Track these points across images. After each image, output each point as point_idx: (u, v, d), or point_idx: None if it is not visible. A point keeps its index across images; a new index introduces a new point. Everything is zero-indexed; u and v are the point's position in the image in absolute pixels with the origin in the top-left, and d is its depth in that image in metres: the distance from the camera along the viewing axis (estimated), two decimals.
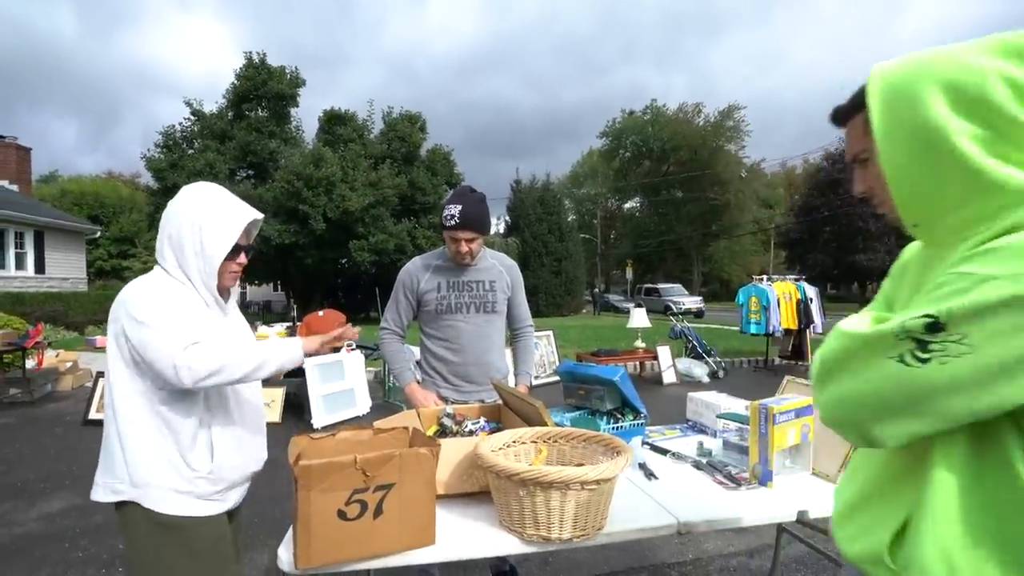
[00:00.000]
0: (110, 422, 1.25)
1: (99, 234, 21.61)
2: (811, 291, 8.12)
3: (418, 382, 2.11)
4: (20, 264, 16.11)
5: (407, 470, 1.12)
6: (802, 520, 1.40)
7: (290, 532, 1.17)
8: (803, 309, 7.89)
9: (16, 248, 15.98)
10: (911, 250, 0.87)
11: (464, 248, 1.96)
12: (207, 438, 1.27)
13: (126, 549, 1.28)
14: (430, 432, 1.70)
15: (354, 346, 6.01)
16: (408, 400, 2.06)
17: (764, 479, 1.51)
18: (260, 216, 1.41)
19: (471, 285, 2.07)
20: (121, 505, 1.24)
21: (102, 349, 7.21)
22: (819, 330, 8.30)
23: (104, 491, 1.25)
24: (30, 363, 6.72)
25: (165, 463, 1.23)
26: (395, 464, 1.11)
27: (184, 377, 1.17)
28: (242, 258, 1.37)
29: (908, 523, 0.70)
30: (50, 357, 7.43)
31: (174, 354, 1.17)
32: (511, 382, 2.16)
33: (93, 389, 5.45)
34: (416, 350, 2.31)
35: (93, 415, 5.29)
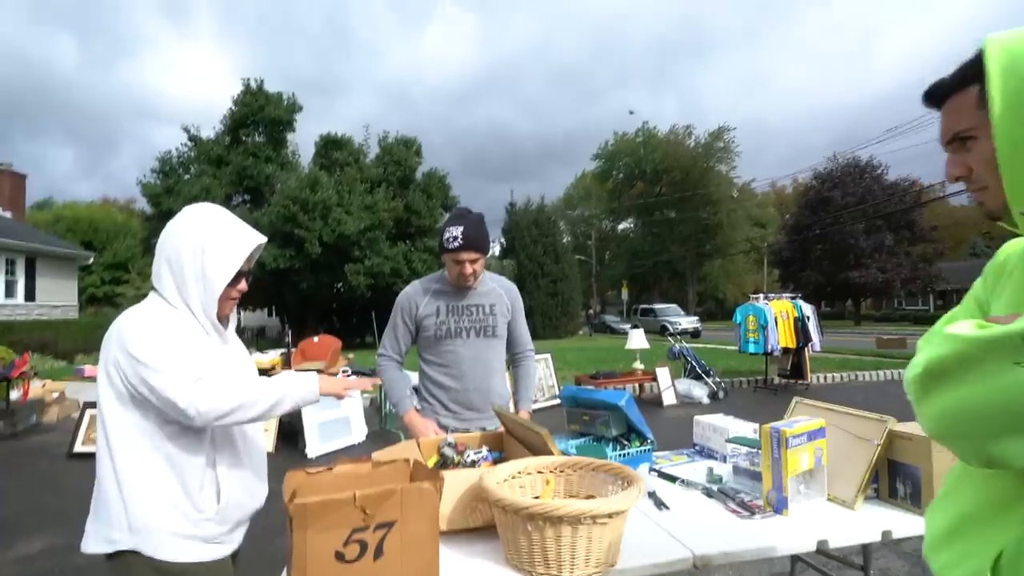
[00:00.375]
0: (103, 462, 1.16)
1: (92, 260, 21.49)
2: (808, 309, 8.12)
3: (417, 410, 2.05)
4: (10, 292, 15.93)
5: (409, 507, 1.06)
6: (822, 550, 1.34)
7: (284, 573, 1.10)
8: (801, 327, 7.87)
9: (7, 275, 15.82)
10: (1012, 247, 0.80)
11: (468, 270, 1.92)
12: (213, 477, 1.20)
13: None
14: (430, 463, 1.64)
15: (349, 372, 5.92)
16: (407, 429, 1.99)
17: (779, 507, 1.46)
18: (264, 240, 1.35)
19: (471, 309, 2.03)
20: (116, 555, 1.14)
21: (91, 379, 7.07)
22: (817, 348, 8.28)
23: (97, 541, 1.15)
24: (15, 394, 6.55)
25: (169, 505, 1.15)
26: (396, 500, 1.05)
27: (196, 418, 1.11)
28: (242, 284, 1.31)
29: (1011, 549, 0.64)
30: (36, 387, 7.26)
31: (183, 394, 1.10)
32: (511, 408, 2.10)
33: (79, 420, 5.31)
34: (414, 376, 2.25)
35: (79, 448, 5.15)
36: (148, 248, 17.60)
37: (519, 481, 1.36)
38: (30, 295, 16.53)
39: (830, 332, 19.65)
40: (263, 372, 1.56)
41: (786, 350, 7.95)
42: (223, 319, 1.31)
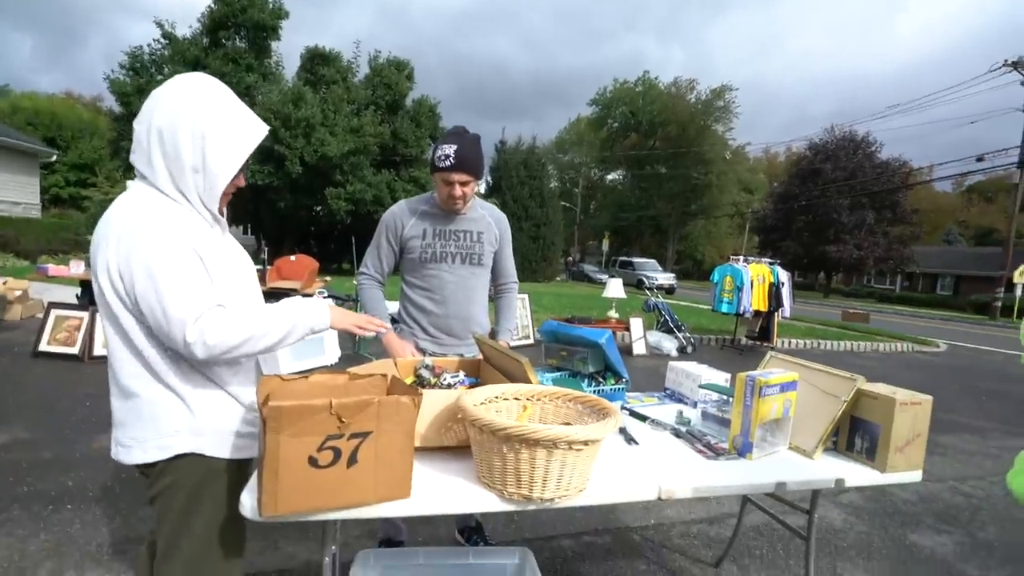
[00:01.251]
0: (139, 375, 1.09)
1: (55, 159, 20.32)
2: (784, 276, 8.27)
3: (396, 333, 2.02)
4: None
5: (386, 419, 1.05)
6: (777, 492, 1.40)
7: (254, 477, 1.10)
8: (774, 292, 8.04)
9: None
10: None
11: (458, 192, 1.84)
12: (254, 369, 1.22)
13: (168, 503, 1.14)
14: (408, 381, 1.63)
15: (326, 294, 5.86)
16: (383, 351, 1.97)
17: (744, 450, 1.51)
18: (267, 129, 1.19)
19: (458, 235, 1.97)
20: (168, 460, 1.12)
21: (55, 278, 6.84)
22: (787, 314, 8.51)
23: (147, 450, 1.11)
24: None
25: (227, 406, 1.15)
26: (373, 411, 1.04)
27: (197, 352, 1.03)
28: (240, 179, 1.18)
29: None
30: None
31: (185, 326, 1.01)
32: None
33: (44, 320, 5.17)
34: (394, 305, 2.21)
35: (44, 347, 5.05)
36: (117, 150, 16.63)
37: (496, 405, 1.36)
38: None
39: (800, 302, 20.26)
40: None
41: (757, 313, 8.15)
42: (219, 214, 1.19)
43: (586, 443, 1.10)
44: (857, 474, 1.48)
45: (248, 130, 1.13)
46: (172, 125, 1.05)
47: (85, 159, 26.01)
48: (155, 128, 1.06)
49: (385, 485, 1.07)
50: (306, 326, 1.18)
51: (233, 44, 17.02)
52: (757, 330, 8.47)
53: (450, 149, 1.78)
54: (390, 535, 2.15)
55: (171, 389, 1.11)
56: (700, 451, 1.53)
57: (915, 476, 1.54)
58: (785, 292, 8.19)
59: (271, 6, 17.02)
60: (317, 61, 18.03)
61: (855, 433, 1.58)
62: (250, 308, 1.13)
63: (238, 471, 1.20)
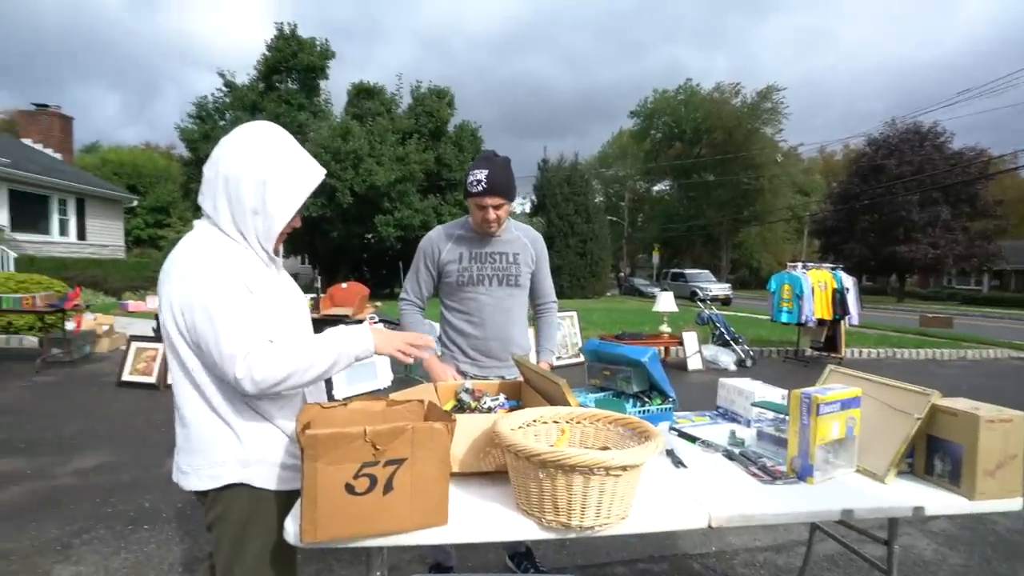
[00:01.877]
0: (194, 402, 1.14)
1: (136, 203, 22.27)
2: (848, 281, 7.78)
3: (437, 356, 2.04)
4: (63, 230, 16.72)
5: (420, 445, 1.05)
6: (845, 520, 1.29)
7: (298, 504, 1.12)
8: (839, 299, 7.56)
9: (60, 215, 16.56)
10: None
11: (492, 215, 1.86)
12: (299, 403, 1.26)
13: (221, 531, 1.18)
14: (447, 407, 1.64)
15: (377, 319, 6.02)
16: (430, 373, 1.99)
17: (804, 474, 1.40)
18: (324, 174, 1.25)
19: (494, 257, 1.98)
20: (219, 490, 1.15)
21: (134, 313, 7.43)
22: (855, 321, 7.97)
23: (201, 478, 1.15)
24: (69, 325, 6.96)
25: (276, 438, 1.18)
26: (407, 438, 1.04)
27: (246, 387, 1.08)
28: (297, 220, 1.23)
29: None
30: (88, 320, 7.68)
31: (235, 362, 1.06)
32: (533, 359, 2.08)
33: (126, 352, 5.60)
34: (437, 325, 2.24)
35: (126, 377, 5.46)
36: (187, 192, 17.99)
37: (534, 429, 1.34)
38: (81, 234, 17.32)
39: (870, 308, 18.95)
40: None
41: (821, 322, 7.68)
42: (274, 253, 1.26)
43: (625, 468, 1.05)
44: (939, 501, 1.34)
45: (305, 176, 1.19)
46: (236, 172, 1.13)
47: (161, 202, 28.32)
48: (221, 174, 1.14)
49: (421, 512, 1.07)
50: (350, 355, 1.20)
51: (286, 86, 18.15)
52: (822, 340, 7.97)
53: (481, 174, 1.80)
54: (439, 560, 2.14)
55: (223, 420, 1.15)
56: (755, 474, 1.43)
57: (1013, 504, 1.36)
58: (851, 298, 7.70)
59: (319, 48, 18.08)
60: (362, 95, 18.91)
61: (934, 455, 1.44)
62: (295, 342, 1.16)
63: (287, 500, 1.21)
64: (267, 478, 1.18)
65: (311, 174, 1.20)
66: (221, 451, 1.16)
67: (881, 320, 14.19)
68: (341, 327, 1.25)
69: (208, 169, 1.17)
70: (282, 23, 17.87)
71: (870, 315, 14.89)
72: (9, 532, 2.56)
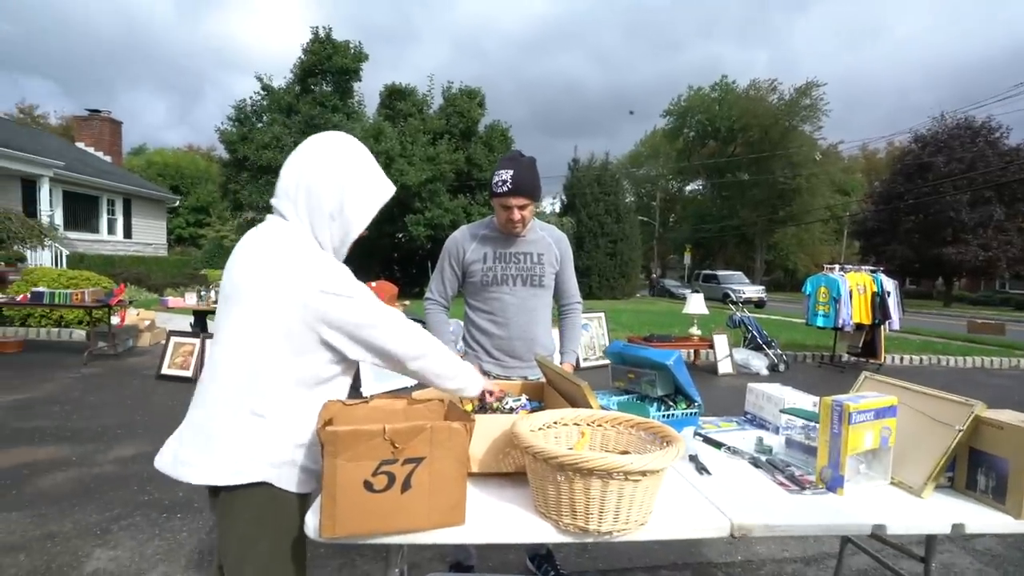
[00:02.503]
0: (240, 398, 1.12)
1: (178, 203, 23.19)
2: (889, 284, 7.46)
3: (460, 355, 2.05)
4: (111, 229, 17.57)
5: (438, 444, 1.06)
6: (878, 535, 1.23)
7: (319, 499, 1.14)
8: (879, 303, 7.26)
9: (108, 214, 17.41)
10: None
11: (516, 216, 1.86)
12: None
13: (234, 527, 1.15)
14: (469, 407, 1.64)
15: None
16: None
17: (833, 484, 1.35)
18: (395, 189, 1.32)
19: (518, 257, 1.98)
20: (236, 486, 1.13)
21: (173, 309, 7.72)
22: (896, 327, 7.64)
23: (224, 474, 1.12)
24: (114, 320, 7.29)
25: (306, 443, 1.17)
26: (425, 437, 1.05)
27: (408, 362, 1.23)
28: (365, 230, 1.28)
29: None
30: (131, 315, 8.04)
31: (403, 343, 1.20)
32: (557, 360, 2.07)
33: (165, 347, 5.83)
34: (460, 323, 2.26)
35: (165, 370, 5.69)
36: (226, 192, 18.57)
37: (554, 431, 1.33)
38: (128, 233, 18.16)
39: (912, 312, 18.14)
40: None
41: (859, 326, 7.39)
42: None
43: (644, 473, 1.03)
44: (982, 518, 1.27)
45: (381, 187, 1.26)
46: (317, 178, 1.18)
47: (201, 202, 29.44)
48: (303, 184, 1.18)
49: (438, 511, 1.07)
50: (466, 386, 1.36)
51: (321, 89, 18.54)
52: (860, 345, 7.67)
53: (506, 175, 1.80)
54: (460, 559, 2.15)
55: (266, 418, 1.13)
56: (782, 483, 1.39)
57: None
58: (892, 302, 7.38)
59: (352, 51, 18.42)
60: (395, 96, 19.18)
61: (977, 469, 1.36)
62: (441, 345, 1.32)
63: (302, 502, 1.20)
64: (291, 480, 1.17)
65: (385, 187, 1.28)
66: (253, 448, 1.13)
67: (926, 325, 13.57)
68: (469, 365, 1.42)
69: (288, 176, 1.20)
70: (317, 27, 18.29)
71: (913, 320, 14.26)
72: (55, 515, 2.70)
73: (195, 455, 1.15)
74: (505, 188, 1.81)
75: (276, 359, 1.13)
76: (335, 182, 1.18)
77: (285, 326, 1.12)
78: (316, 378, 1.17)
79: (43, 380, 5.46)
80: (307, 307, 1.11)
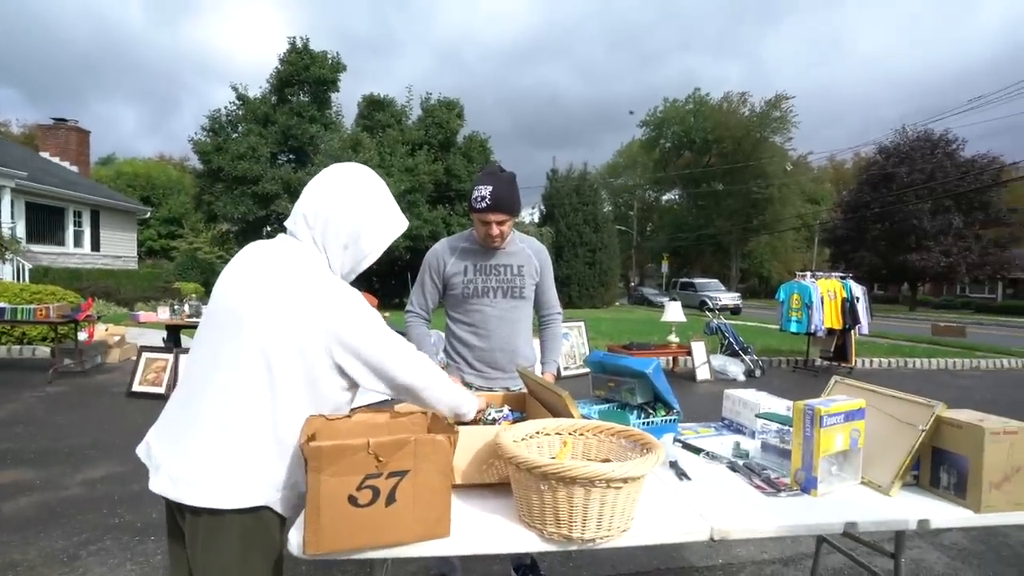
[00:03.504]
0: (253, 421, 1.09)
1: (149, 215, 22.61)
2: (858, 290, 7.72)
3: (443, 368, 2.06)
4: (78, 242, 17.02)
5: (422, 457, 1.06)
6: (850, 533, 1.28)
7: (302, 516, 1.13)
8: (849, 308, 7.50)
9: (75, 226, 16.87)
10: None
11: (495, 231, 1.89)
12: None
13: (225, 552, 1.11)
14: (451, 419, 1.65)
15: None
16: None
17: (807, 486, 1.40)
18: (407, 225, 1.34)
19: (498, 269, 2.00)
20: (243, 510, 1.10)
21: (145, 324, 7.53)
22: (865, 331, 7.89)
23: (228, 497, 1.08)
24: (82, 335, 7.06)
25: (299, 460, 1.12)
26: (409, 450, 1.05)
27: (420, 392, 1.26)
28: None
29: None
30: (100, 331, 7.79)
31: (417, 376, 1.23)
32: (538, 370, 2.09)
33: (136, 363, 5.67)
34: (441, 335, 2.26)
35: (136, 387, 5.52)
36: (199, 203, 18.22)
37: (536, 441, 1.35)
38: (95, 245, 17.61)
39: (880, 316, 18.71)
40: None
41: (831, 331, 7.62)
42: None
43: (626, 480, 1.06)
44: (945, 514, 1.32)
45: (394, 222, 1.29)
46: (337, 209, 1.20)
47: (173, 213, 28.77)
48: (322, 213, 1.20)
49: (424, 524, 1.08)
50: (459, 405, 1.37)
51: (298, 99, 18.41)
52: (832, 350, 7.89)
53: (485, 190, 1.83)
54: (444, 572, 2.14)
55: (277, 441, 1.11)
56: (759, 486, 1.43)
57: (1021, 517, 1.35)
58: (861, 307, 7.63)
59: (330, 61, 18.36)
60: (373, 107, 19.17)
61: (939, 467, 1.43)
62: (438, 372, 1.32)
63: (282, 523, 1.18)
64: (288, 504, 1.15)
65: (399, 222, 1.31)
66: (265, 472, 1.11)
67: (893, 329, 14.02)
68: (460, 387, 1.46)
69: (307, 199, 1.23)
70: (294, 37, 18.19)
71: (881, 324, 14.74)
72: (17, 543, 2.59)
73: (199, 476, 1.09)
74: (484, 204, 1.83)
75: (293, 383, 1.11)
76: (353, 214, 1.21)
77: (301, 349, 1.11)
78: (327, 403, 1.18)
79: (4, 400, 5.25)
80: (326, 331, 1.12)
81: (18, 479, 3.36)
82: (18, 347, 7.61)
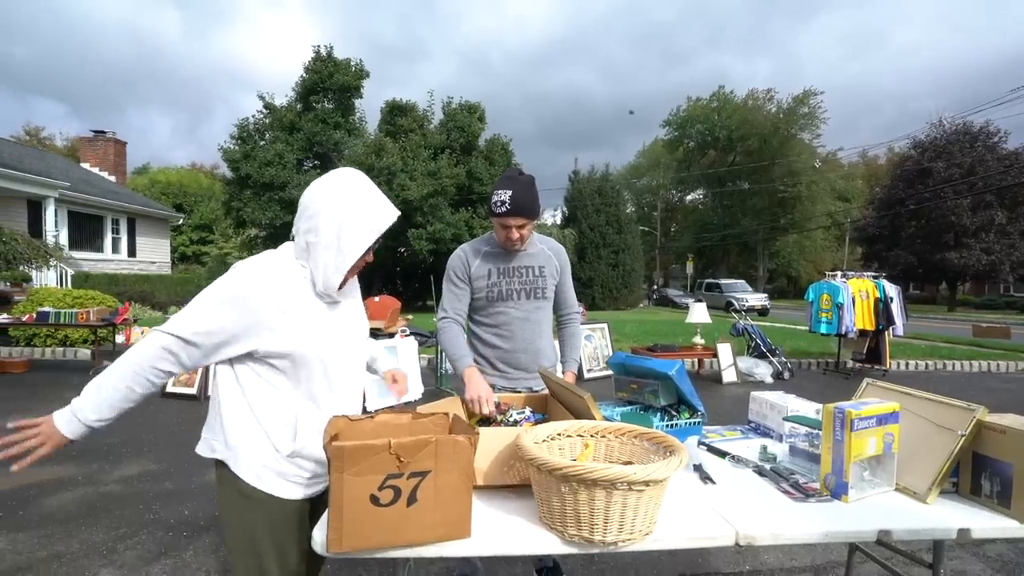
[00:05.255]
0: (213, 383, 1.31)
1: (182, 221, 23.34)
2: (892, 290, 7.46)
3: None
4: (116, 248, 17.68)
5: (443, 458, 1.07)
6: (884, 541, 1.23)
7: (326, 514, 1.15)
8: (882, 309, 7.25)
9: (112, 234, 17.53)
10: None
11: (515, 235, 1.89)
12: (293, 423, 1.27)
13: (218, 505, 1.34)
14: (473, 421, 1.65)
15: (408, 332, 6.12)
16: (464, 386, 1.96)
17: (838, 491, 1.35)
18: (397, 215, 1.36)
19: (520, 271, 2.00)
20: (220, 463, 1.29)
21: None
22: (900, 332, 7.61)
23: (203, 446, 1.32)
24: (119, 338, 7.33)
25: (252, 435, 1.26)
26: (431, 451, 1.06)
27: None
28: (369, 256, 1.33)
29: None
30: (136, 333, 8.08)
31: (152, 335, 1.21)
32: (559, 370, 2.08)
33: None
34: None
35: (170, 388, 5.70)
36: (229, 210, 18.73)
37: (558, 443, 1.34)
38: (132, 251, 18.27)
39: (918, 317, 18.04)
40: None
41: (863, 332, 7.38)
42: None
43: (648, 483, 1.04)
44: (988, 524, 1.27)
45: (377, 217, 1.29)
46: (318, 210, 1.25)
47: (204, 220, 29.65)
48: (308, 210, 1.27)
49: (444, 524, 1.08)
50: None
51: (322, 106, 18.78)
52: (864, 351, 7.64)
53: (505, 195, 1.82)
54: (466, 573, 2.14)
55: (219, 402, 1.29)
56: (786, 491, 1.39)
57: None
58: (896, 307, 7.37)
59: (354, 69, 18.67)
60: (396, 113, 19.40)
61: (981, 474, 1.37)
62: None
63: (283, 505, 1.30)
64: (243, 466, 1.30)
65: (384, 215, 1.30)
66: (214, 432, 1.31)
67: (930, 330, 13.50)
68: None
69: (301, 205, 1.30)
70: (319, 46, 18.57)
71: (918, 325, 14.20)
72: (61, 535, 2.71)
73: (203, 431, 1.33)
74: (504, 209, 1.83)
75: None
76: (332, 215, 1.24)
77: None
78: (243, 371, 1.28)
79: (48, 400, 5.48)
80: None
81: (61, 475, 3.50)
82: (61, 349, 7.94)
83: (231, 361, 1.25)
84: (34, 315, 6.68)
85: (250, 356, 1.24)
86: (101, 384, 1.20)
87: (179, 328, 1.18)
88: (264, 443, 1.25)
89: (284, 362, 1.24)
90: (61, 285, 11.97)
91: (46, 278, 11.81)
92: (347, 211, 1.25)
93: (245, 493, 1.26)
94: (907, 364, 8.21)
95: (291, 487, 1.28)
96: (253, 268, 1.25)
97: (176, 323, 1.19)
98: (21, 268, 11.23)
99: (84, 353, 7.78)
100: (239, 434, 1.26)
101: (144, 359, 1.19)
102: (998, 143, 25.84)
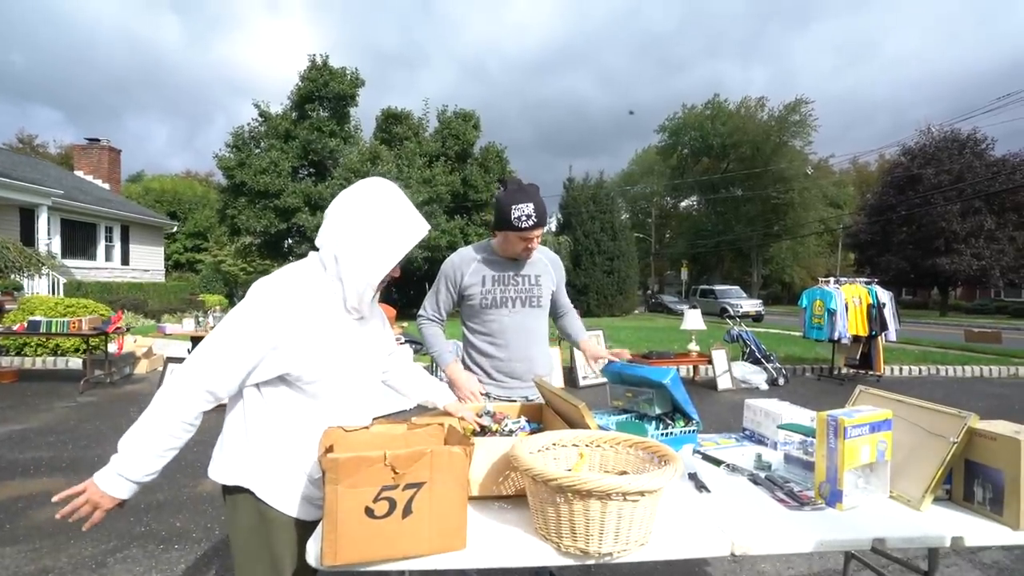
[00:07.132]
0: (235, 404, 1.25)
1: (176, 229, 23.24)
2: (884, 295, 7.51)
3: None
4: (109, 256, 17.58)
5: (438, 469, 1.07)
6: (879, 549, 1.24)
7: (320, 526, 1.14)
8: (875, 315, 7.30)
9: (106, 241, 17.44)
10: None
11: (534, 245, 1.91)
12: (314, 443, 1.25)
13: (231, 530, 1.30)
14: (467, 431, 1.65)
15: (403, 340, 6.10)
16: (449, 381, 1.99)
17: (832, 499, 1.36)
18: (428, 229, 1.33)
19: (517, 279, 2.01)
20: (232, 488, 1.25)
21: (171, 336, 7.70)
22: (892, 337, 7.66)
23: (217, 471, 1.27)
24: (112, 347, 7.26)
25: (285, 462, 1.23)
26: (426, 462, 1.06)
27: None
28: (396, 270, 1.30)
29: None
30: (129, 343, 8.01)
31: (180, 380, 1.16)
32: (558, 372, 2.08)
33: (163, 374, 5.80)
34: (459, 344, 2.27)
35: None
36: (223, 218, 18.66)
37: (553, 453, 1.34)
38: (125, 260, 18.17)
39: (910, 322, 18.17)
40: None
41: (856, 338, 7.42)
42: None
43: (642, 493, 1.04)
44: (981, 531, 1.27)
45: (406, 231, 1.26)
46: (346, 223, 1.22)
47: (199, 227, 29.52)
48: (335, 224, 1.23)
49: (440, 535, 1.08)
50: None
51: (317, 114, 18.78)
52: (858, 357, 7.68)
53: (529, 208, 1.79)
54: None
55: (246, 427, 1.25)
56: (781, 500, 1.40)
57: None
58: (888, 313, 7.42)
59: (349, 77, 18.71)
60: (391, 120, 19.44)
61: (973, 481, 1.38)
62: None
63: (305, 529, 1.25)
64: (269, 490, 1.28)
65: (413, 230, 1.27)
66: (234, 455, 1.27)
67: (922, 335, 13.60)
68: None
69: (327, 217, 1.26)
70: (315, 54, 18.61)
71: (911, 330, 14.30)
72: (48, 549, 2.66)
73: (216, 453, 1.30)
74: (532, 222, 1.80)
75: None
76: (361, 229, 1.22)
77: None
78: (283, 394, 1.25)
79: (39, 410, 5.42)
80: None
81: (51, 487, 3.45)
82: (52, 358, 7.86)
83: (258, 385, 1.21)
84: (25, 324, 6.61)
85: (281, 379, 1.21)
86: (142, 439, 1.17)
87: (214, 369, 1.15)
88: (296, 470, 1.23)
89: (315, 386, 1.22)
90: (53, 293, 11.87)
91: (38, 286, 11.71)
92: (379, 223, 1.21)
93: (269, 518, 1.23)
94: (900, 369, 8.26)
95: (315, 511, 1.26)
96: (279, 288, 1.20)
97: (209, 364, 1.15)
98: (12, 277, 11.14)
99: (76, 362, 7.70)
100: (269, 461, 1.22)
101: (187, 409, 1.16)
102: (985, 150, 26.20)
